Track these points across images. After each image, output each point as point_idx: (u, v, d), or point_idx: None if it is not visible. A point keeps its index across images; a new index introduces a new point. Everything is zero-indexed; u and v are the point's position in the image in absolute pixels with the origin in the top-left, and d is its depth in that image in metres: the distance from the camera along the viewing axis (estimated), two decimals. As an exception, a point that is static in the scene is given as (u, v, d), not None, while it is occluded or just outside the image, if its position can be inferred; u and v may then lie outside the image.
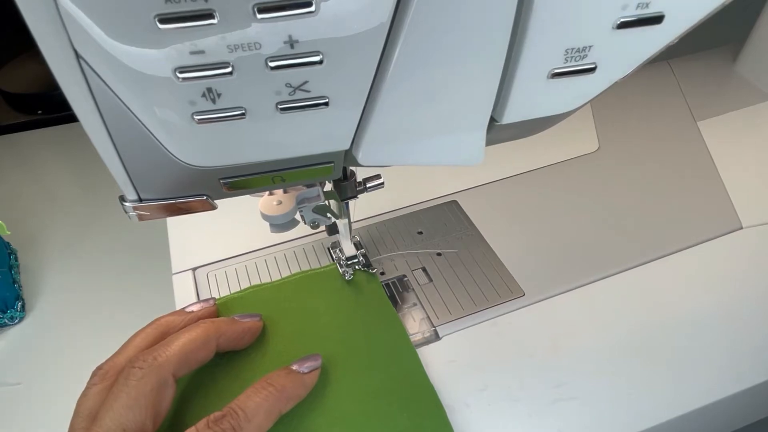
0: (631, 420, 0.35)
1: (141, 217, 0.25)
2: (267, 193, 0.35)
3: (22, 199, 0.61)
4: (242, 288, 0.42)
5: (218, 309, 0.39)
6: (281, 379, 0.32)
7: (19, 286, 0.51)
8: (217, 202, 0.26)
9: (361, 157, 0.24)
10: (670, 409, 0.35)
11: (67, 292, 0.52)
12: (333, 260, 0.44)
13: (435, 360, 0.38)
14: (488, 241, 0.46)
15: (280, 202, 0.35)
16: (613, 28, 0.21)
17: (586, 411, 0.35)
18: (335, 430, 0.33)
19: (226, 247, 0.47)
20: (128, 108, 0.20)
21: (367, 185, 0.36)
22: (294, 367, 0.34)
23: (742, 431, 0.43)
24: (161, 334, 0.33)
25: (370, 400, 0.35)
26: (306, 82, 0.20)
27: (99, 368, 0.31)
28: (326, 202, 0.37)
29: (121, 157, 0.22)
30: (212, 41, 0.18)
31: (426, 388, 0.35)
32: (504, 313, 0.41)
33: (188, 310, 0.36)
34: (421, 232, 0.48)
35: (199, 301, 0.38)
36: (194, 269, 0.45)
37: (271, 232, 0.36)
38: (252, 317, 0.37)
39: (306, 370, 0.34)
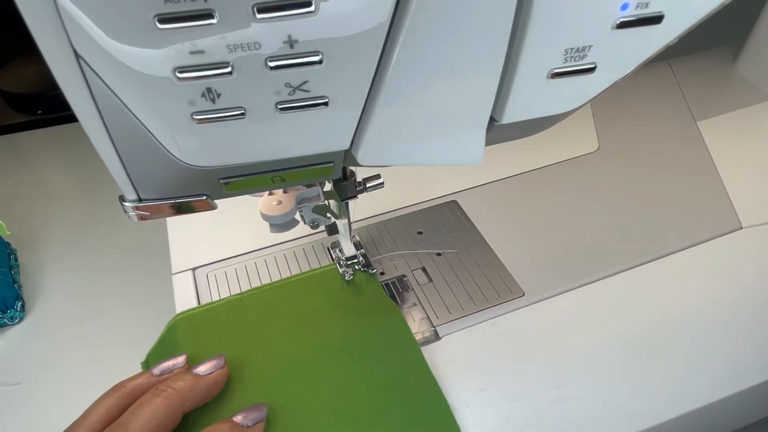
0: (631, 420, 0.35)
1: (141, 217, 0.25)
2: (267, 193, 0.35)
3: (22, 199, 0.61)
4: (242, 290, 0.42)
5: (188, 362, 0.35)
6: None
7: (19, 286, 0.51)
8: (217, 202, 0.26)
9: (360, 157, 0.24)
10: (670, 409, 0.35)
11: (67, 292, 0.52)
12: (333, 260, 0.44)
13: (435, 360, 0.38)
14: (488, 241, 0.46)
15: (279, 202, 0.35)
16: (612, 28, 0.21)
17: (586, 411, 0.35)
18: (340, 427, 0.33)
19: (226, 247, 0.47)
20: (128, 108, 0.20)
21: (367, 185, 0.36)
22: (238, 419, 0.32)
23: (742, 431, 0.43)
24: (126, 404, 0.31)
25: (373, 397, 0.35)
26: (305, 82, 0.20)
27: None
28: (326, 202, 0.37)
29: (120, 157, 0.22)
30: (212, 41, 0.18)
31: (429, 383, 0.35)
32: (504, 313, 0.41)
33: (155, 372, 0.34)
34: (420, 232, 0.48)
35: (170, 358, 0.35)
36: (194, 269, 0.45)
37: (271, 232, 0.36)
38: (216, 365, 0.34)
39: (250, 423, 0.32)
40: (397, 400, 0.35)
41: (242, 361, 0.37)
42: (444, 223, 0.49)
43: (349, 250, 0.43)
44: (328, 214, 0.38)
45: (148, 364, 0.37)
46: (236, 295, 0.42)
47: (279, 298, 0.41)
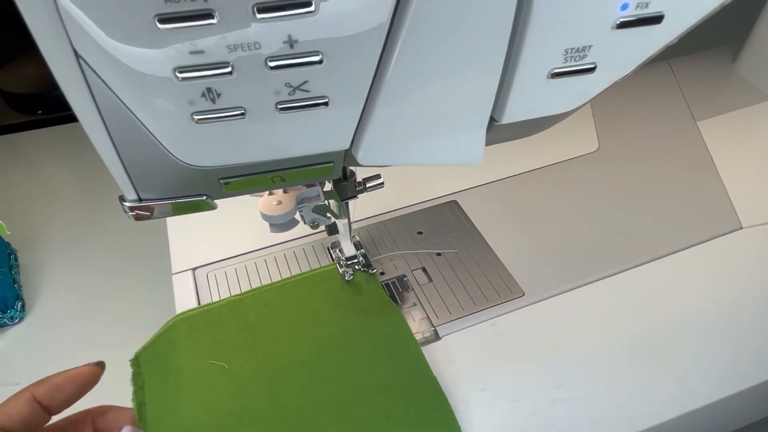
0: (631, 420, 0.35)
1: (141, 217, 0.25)
2: (267, 193, 0.35)
3: (22, 199, 0.61)
4: (242, 290, 0.42)
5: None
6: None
7: (19, 286, 0.51)
8: (217, 202, 0.26)
9: (360, 157, 0.24)
10: (670, 409, 0.35)
11: (66, 292, 0.52)
12: (333, 260, 0.44)
13: (435, 360, 0.38)
14: (488, 241, 0.46)
15: (280, 202, 0.35)
16: (612, 28, 0.21)
17: (586, 411, 0.35)
18: (341, 427, 0.33)
19: (226, 247, 0.47)
20: (128, 108, 0.20)
21: (367, 185, 0.36)
22: None
23: (742, 431, 0.43)
24: None
25: (374, 395, 0.35)
26: (306, 82, 0.20)
27: None
28: (326, 202, 0.37)
29: (121, 157, 0.22)
30: (212, 41, 0.18)
31: (430, 381, 0.35)
32: (504, 313, 0.41)
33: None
34: (421, 232, 0.48)
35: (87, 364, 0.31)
36: (194, 269, 0.45)
37: (271, 232, 0.36)
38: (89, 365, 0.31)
39: None
40: (398, 401, 0.35)
41: (243, 361, 0.37)
42: (444, 223, 0.49)
43: (349, 250, 0.43)
44: (328, 214, 0.38)
45: (138, 362, 0.37)
46: (236, 295, 0.42)
47: (279, 298, 0.41)
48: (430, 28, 0.19)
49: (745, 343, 0.39)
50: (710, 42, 0.69)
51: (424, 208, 0.50)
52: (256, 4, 0.17)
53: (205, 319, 0.40)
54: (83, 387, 0.31)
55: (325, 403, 0.35)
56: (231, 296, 0.42)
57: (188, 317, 0.40)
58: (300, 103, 0.20)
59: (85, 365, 0.31)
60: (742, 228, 0.47)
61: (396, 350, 0.37)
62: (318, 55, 0.19)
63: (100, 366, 0.32)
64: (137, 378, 0.36)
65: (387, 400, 0.35)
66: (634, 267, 0.44)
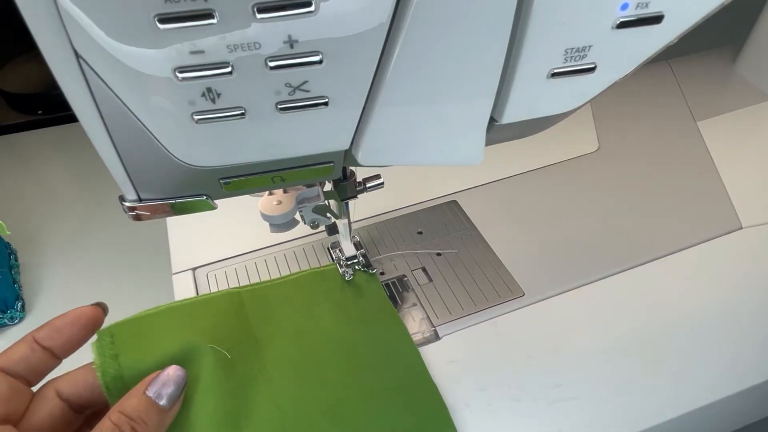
0: (631, 420, 0.35)
1: (141, 217, 0.25)
2: (267, 193, 0.35)
3: (22, 199, 0.61)
4: (241, 286, 0.42)
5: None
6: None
7: (19, 286, 0.51)
8: (217, 202, 0.26)
9: (360, 157, 0.24)
10: (670, 409, 0.35)
11: (67, 293, 0.52)
12: (333, 260, 0.44)
13: (435, 360, 0.38)
14: (488, 241, 0.46)
15: (280, 202, 0.35)
16: (612, 27, 0.21)
17: (586, 411, 0.35)
18: (337, 429, 0.33)
19: (226, 247, 0.47)
20: (128, 108, 0.20)
21: (367, 185, 0.36)
22: (150, 393, 0.29)
23: (742, 431, 0.43)
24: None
25: (372, 400, 0.35)
26: (305, 82, 0.20)
27: None
28: (326, 202, 0.37)
29: (120, 157, 0.22)
30: (212, 41, 0.18)
31: (428, 387, 0.35)
32: (504, 313, 0.41)
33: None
34: (421, 232, 0.48)
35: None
36: (194, 269, 0.45)
37: (271, 232, 0.36)
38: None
39: (167, 404, 0.29)
40: (396, 406, 0.34)
41: (241, 358, 0.37)
42: (444, 223, 0.49)
43: (349, 250, 0.43)
44: (328, 214, 0.38)
45: (111, 336, 0.35)
46: (234, 288, 0.41)
47: (278, 296, 0.41)
48: (430, 28, 0.19)
49: (745, 343, 0.39)
50: (710, 42, 0.69)
51: (424, 208, 0.50)
52: (256, 4, 0.17)
53: (202, 308, 0.38)
54: (83, 328, 0.30)
55: (322, 405, 0.34)
56: (230, 288, 0.41)
57: (183, 305, 0.38)
58: (300, 103, 0.20)
59: (86, 306, 0.31)
60: (742, 228, 0.47)
61: (395, 356, 0.37)
62: (318, 55, 0.19)
63: (101, 307, 0.32)
64: (106, 348, 0.33)
65: (385, 405, 0.34)
66: (634, 267, 0.44)
